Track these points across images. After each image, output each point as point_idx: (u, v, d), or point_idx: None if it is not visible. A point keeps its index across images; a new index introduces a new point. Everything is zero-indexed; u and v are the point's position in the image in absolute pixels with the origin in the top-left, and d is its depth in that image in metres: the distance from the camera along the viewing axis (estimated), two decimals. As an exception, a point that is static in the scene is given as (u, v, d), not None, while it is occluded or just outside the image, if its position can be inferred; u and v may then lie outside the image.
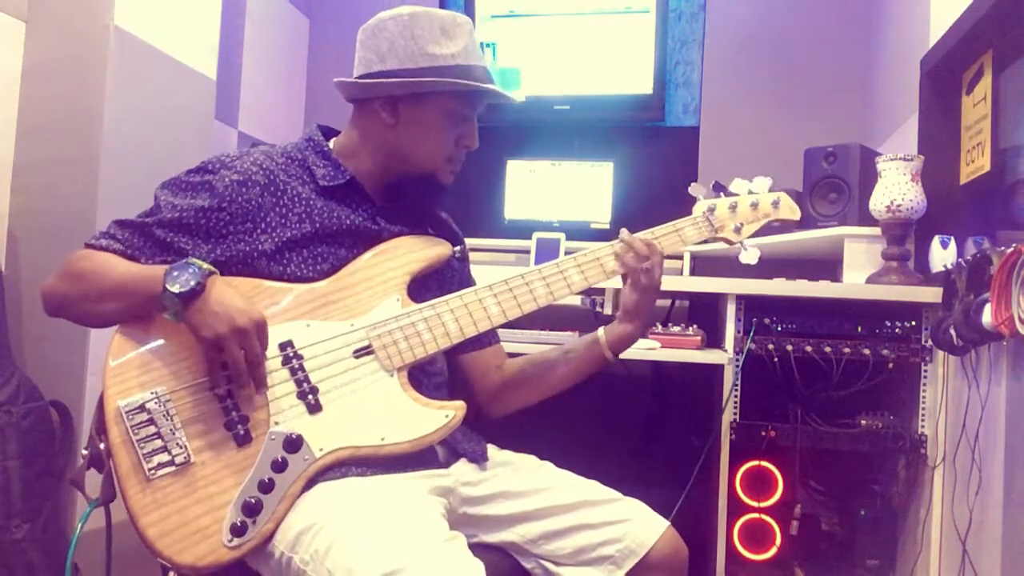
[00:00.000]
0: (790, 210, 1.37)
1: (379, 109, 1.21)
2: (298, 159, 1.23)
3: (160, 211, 1.15)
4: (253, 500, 1.03)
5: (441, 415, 1.13)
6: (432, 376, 1.24)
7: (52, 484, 1.74)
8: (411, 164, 1.24)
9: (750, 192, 1.36)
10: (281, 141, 1.29)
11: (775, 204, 1.36)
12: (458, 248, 1.31)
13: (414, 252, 1.24)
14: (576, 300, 2.00)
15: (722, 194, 1.36)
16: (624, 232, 1.28)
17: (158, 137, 1.97)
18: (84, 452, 1.08)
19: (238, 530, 1.02)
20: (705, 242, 1.37)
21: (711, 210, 1.35)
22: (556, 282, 1.25)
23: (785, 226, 1.48)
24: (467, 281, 1.38)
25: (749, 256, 1.37)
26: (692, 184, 1.38)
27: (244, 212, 1.15)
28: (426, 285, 1.25)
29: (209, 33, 2.18)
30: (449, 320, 1.19)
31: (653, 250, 1.26)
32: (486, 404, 1.37)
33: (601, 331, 1.32)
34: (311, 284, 1.17)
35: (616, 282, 1.29)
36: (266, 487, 1.04)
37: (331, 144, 1.26)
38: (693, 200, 1.36)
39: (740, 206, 1.35)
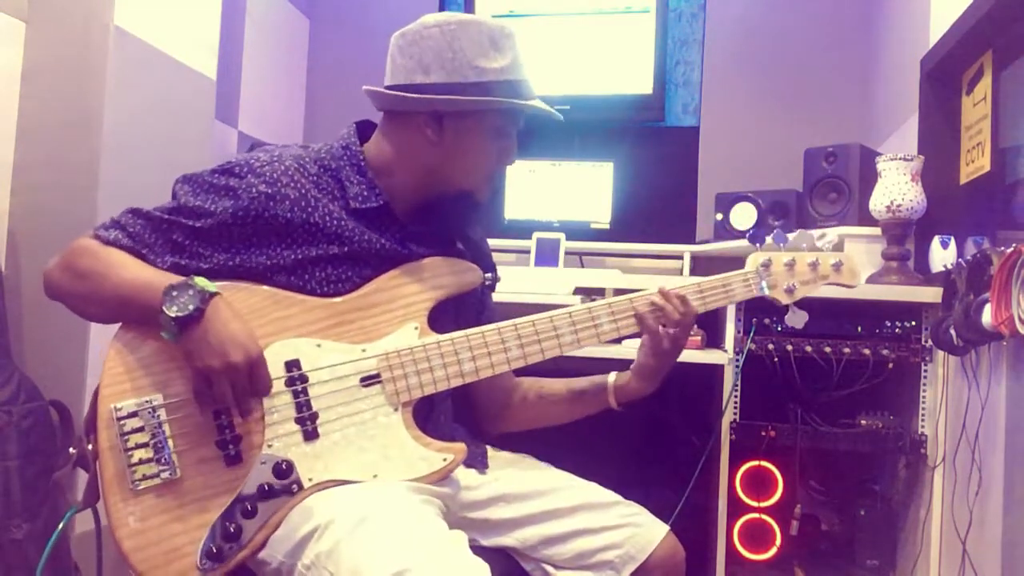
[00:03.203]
0: (851, 275, 1.24)
1: (423, 125, 1.13)
2: (332, 170, 1.15)
3: (179, 212, 1.09)
4: (232, 527, 1.01)
5: (439, 458, 1.10)
6: None
7: (52, 484, 1.74)
8: (451, 183, 1.18)
9: (813, 248, 1.25)
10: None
11: (836, 267, 1.24)
12: (488, 275, 1.25)
13: (441, 277, 1.17)
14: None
15: (779, 245, 1.23)
16: (663, 288, 1.20)
17: (158, 137, 1.97)
18: (72, 451, 1.07)
19: (212, 555, 1.00)
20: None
21: (765, 265, 1.24)
22: (585, 330, 1.18)
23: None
24: (486, 308, 1.32)
25: (797, 319, 1.26)
26: (759, 232, 1.26)
27: (269, 227, 1.09)
28: (442, 307, 1.18)
29: (209, 33, 2.18)
30: (466, 359, 1.14)
31: (687, 310, 1.19)
32: (486, 421, 1.34)
33: (612, 380, 1.28)
34: (328, 299, 1.12)
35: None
36: (248, 513, 1.02)
37: (364, 154, 1.18)
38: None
39: (798, 264, 1.24)
